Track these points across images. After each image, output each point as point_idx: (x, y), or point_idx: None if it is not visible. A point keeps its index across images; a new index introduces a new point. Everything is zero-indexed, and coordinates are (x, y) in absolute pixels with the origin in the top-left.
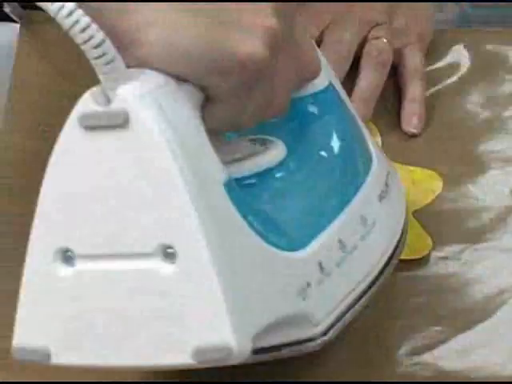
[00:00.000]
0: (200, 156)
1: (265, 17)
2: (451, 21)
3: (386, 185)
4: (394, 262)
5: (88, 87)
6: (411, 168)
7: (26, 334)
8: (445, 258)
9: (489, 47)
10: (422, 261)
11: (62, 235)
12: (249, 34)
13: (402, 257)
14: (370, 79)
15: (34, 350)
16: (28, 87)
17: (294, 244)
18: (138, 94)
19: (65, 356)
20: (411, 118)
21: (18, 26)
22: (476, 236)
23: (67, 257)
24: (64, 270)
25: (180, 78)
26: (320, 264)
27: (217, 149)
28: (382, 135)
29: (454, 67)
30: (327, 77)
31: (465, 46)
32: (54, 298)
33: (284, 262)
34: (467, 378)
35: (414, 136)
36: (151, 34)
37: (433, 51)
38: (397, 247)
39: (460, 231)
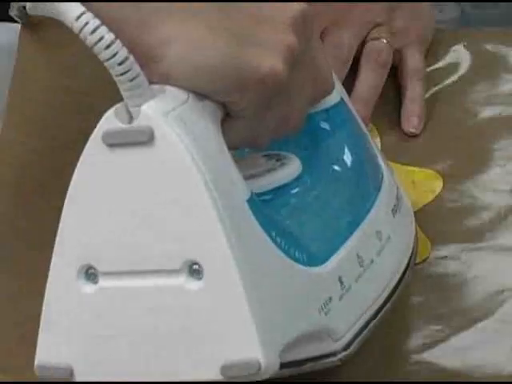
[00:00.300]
0: (224, 172)
1: (284, 33)
2: (451, 21)
3: (397, 199)
4: (409, 274)
5: (88, 87)
6: (411, 168)
7: (49, 352)
8: (445, 258)
9: (489, 47)
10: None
11: (85, 252)
12: (269, 51)
13: None
14: (369, 80)
15: (56, 368)
16: (29, 87)
17: (315, 259)
18: (162, 111)
19: (88, 374)
20: (411, 117)
21: (18, 25)
22: (476, 235)
23: (90, 274)
24: (87, 288)
25: (201, 94)
26: (340, 279)
27: None
28: (381, 135)
29: (453, 67)
30: (339, 92)
31: (465, 46)
32: (77, 316)
33: (307, 277)
34: (467, 377)
35: (413, 136)
36: (172, 50)
37: (433, 51)
38: (410, 259)
39: (460, 231)
